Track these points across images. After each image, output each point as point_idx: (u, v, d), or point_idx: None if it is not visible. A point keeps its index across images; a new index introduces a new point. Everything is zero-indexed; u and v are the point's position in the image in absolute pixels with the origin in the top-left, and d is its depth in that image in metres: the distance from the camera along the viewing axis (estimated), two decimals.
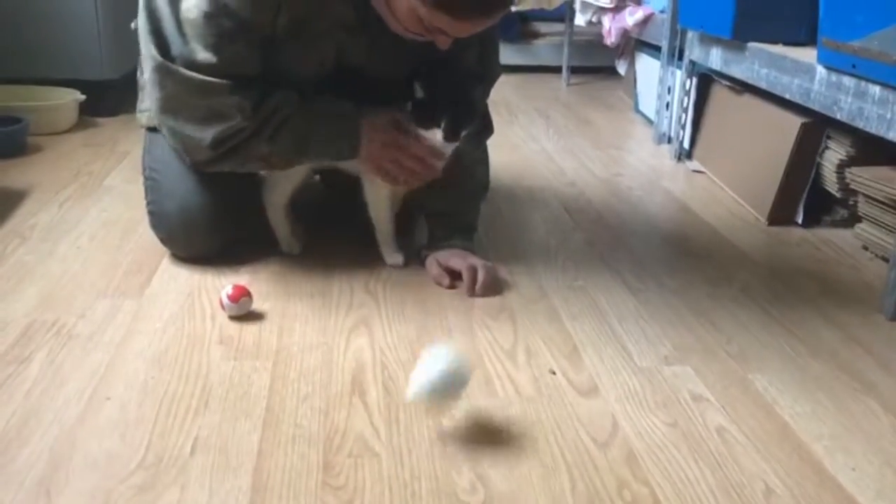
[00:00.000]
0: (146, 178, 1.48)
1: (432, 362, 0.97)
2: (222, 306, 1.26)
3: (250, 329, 1.24)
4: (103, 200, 1.79)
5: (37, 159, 2.08)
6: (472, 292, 1.38)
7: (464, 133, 1.35)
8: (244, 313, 1.27)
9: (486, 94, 1.54)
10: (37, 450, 0.94)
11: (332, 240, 1.56)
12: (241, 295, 1.26)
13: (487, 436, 1.00)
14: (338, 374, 1.13)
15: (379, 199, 1.45)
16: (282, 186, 1.46)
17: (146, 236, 1.51)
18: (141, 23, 1.29)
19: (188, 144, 1.31)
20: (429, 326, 1.27)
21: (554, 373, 1.15)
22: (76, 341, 1.18)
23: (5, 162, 1.99)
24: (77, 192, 1.83)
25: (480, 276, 1.38)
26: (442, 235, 1.47)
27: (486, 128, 1.55)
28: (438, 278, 1.42)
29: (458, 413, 1.04)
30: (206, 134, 1.27)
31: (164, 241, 1.47)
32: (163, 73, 1.26)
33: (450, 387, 0.98)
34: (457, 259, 1.42)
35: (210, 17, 1.21)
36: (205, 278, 1.40)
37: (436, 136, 1.33)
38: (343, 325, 1.27)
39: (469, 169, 1.49)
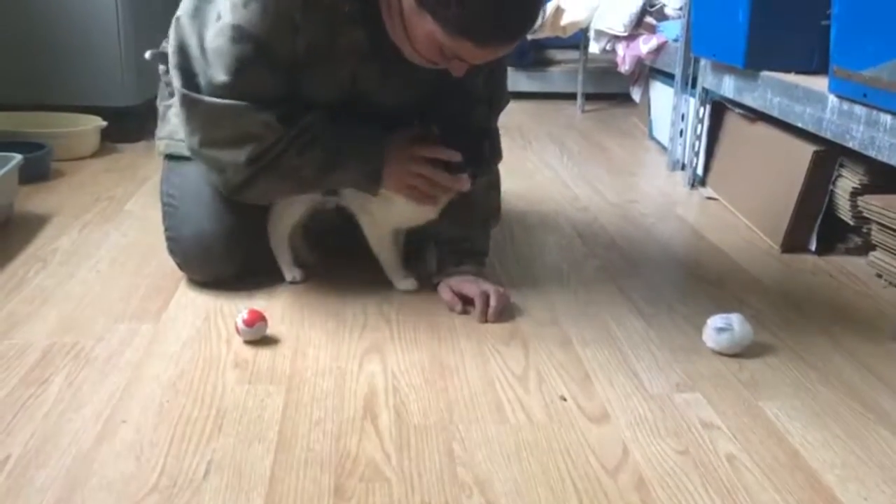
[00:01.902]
0: (164, 205, 1.51)
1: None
2: (238, 331, 1.28)
3: (265, 353, 1.26)
4: (123, 225, 1.82)
5: (59, 184, 2.12)
6: (484, 318, 1.39)
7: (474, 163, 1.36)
8: (259, 338, 1.28)
9: (495, 118, 1.56)
10: (54, 472, 0.95)
11: (346, 265, 1.58)
12: (257, 320, 1.28)
13: (498, 461, 1.01)
14: (350, 399, 1.14)
15: (379, 236, 1.47)
16: (286, 216, 1.49)
17: (164, 261, 1.53)
18: (171, 58, 1.32)
19: (226, 167, 1.32)
20: (441, 352, 1.28)
21: (565, 399, 1.16)
22: (94, 364, 1.20)
23: (29, 187, 2.03)
24: (97, 217, 1.87)
25: (493, 302, 1.39)
26: (453, 261, 1.49)
27: (495, 153, 1.57)
28: (451, 304, 1.43)
29: (468, 438, 1.05)
30: (241, 154, 1.29)
31: (180, 266, 1.49)
32: (188, 103, 1.29)
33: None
34: (469, 285, 1.43)
35: (232, 41, 1.24)
36: (220, 303, 1.42)
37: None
38: (356, 349, 1.28)
39: (479, 194, 1.50)
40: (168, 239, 1.50)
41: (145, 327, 1.33)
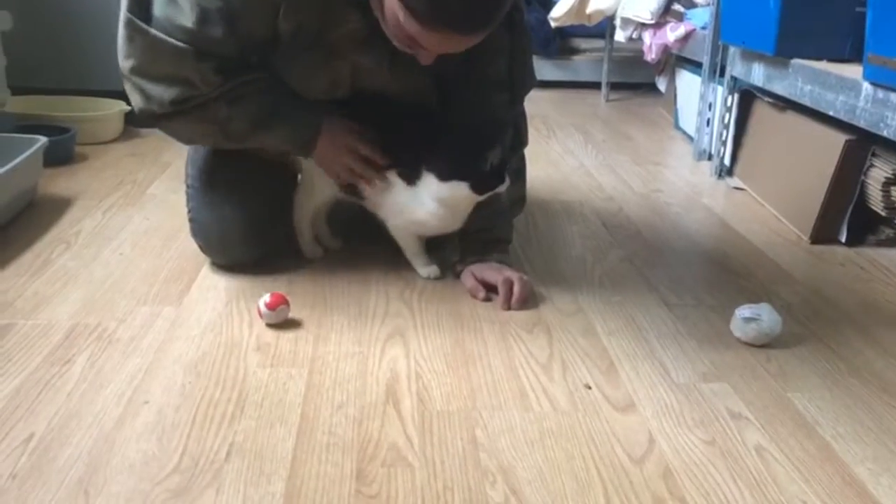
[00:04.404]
0: (187, 187, 1.50)
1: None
2: (260, 314, 1.27)
3: (287, 337, 1.25)
4: (146, 209, 1.82)
5: (83, 168, 2.13)
6: (507, 305, 1.37)
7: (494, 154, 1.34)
8: (281, 321, 1.28)
9: (517, 104, 1.53)
10: (77, 451, 0.95)
11: (369, 250, 1.57)
12: (279, 303, 1.27)
13: (521, 449, 0.99)
14: (372, 384, 1.13)
15: (405, 238, 1.47)
16: (311, 199, 1.48)
17: (187, 244, 1.53)
18: None
19: (150, 98, 1.27)
20: (464, 338, 1.27)
21: (590, 387, 1.14)
22: (116, 345, 1.20)
23: (53, 170, 2.03)
24: (121, 201, 1.87)
25: (516, 289, 1.38)
26: (477, 249, 1.47)
27: (520, 140, 1.55)
28: (474, 291, 1.41)
29: (491, 425, 1.04)
30: (168, 93, 1.25)
31: (202, 249, 1.49)
32: (133, 29, 1.24)
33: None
34: (492, 272, 1.42)
35: (205, 13, 1.21)
36: (243, 286, 1.41)
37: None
38: (378, 334, 1.27)
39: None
40: (190, 221, 1.49)
41: (167, 310, 1.33)
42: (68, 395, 1.07)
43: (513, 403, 1.09)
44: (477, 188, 1.34)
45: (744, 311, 1.29)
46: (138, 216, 1.77)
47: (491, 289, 1.41)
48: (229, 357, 1.18)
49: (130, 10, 1.24)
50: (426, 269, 1.48)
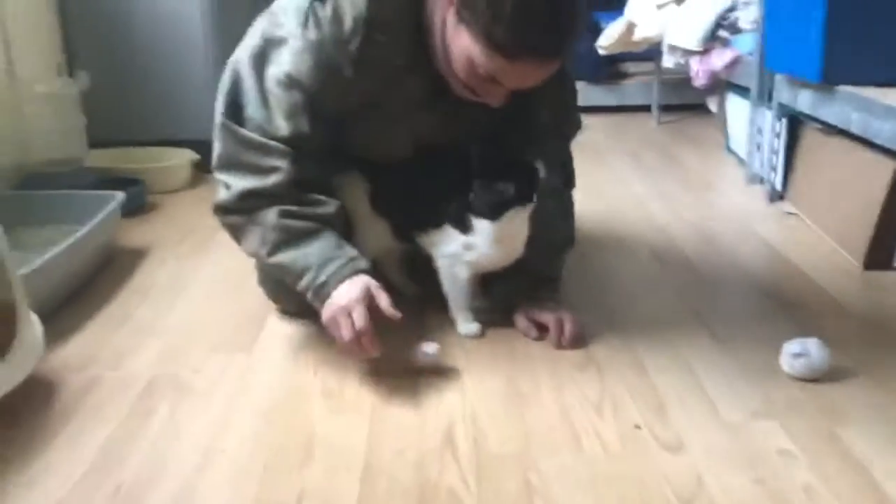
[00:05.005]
0: None
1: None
2: (421, 356, 1.34)
3: (350, 383, 1.32)
4: (216, 256, 1.92)
5: (155, 217, 2.25)
6: (559, 345, 1.42)
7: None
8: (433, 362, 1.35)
9: (566, 148, 1.58)
10: (160, 500, 1.04)
11: (427, 293, 1.61)
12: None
13: (574, 493, 1.04)
14: (430, 429, 1.19)
15: (454, 280, 1.47)
16: (369, 244, 1.51)
17: (256, 290, 1.61)
18: (222, 84, 1.36)
19: (228, 188, 1.33)
20: (517, 379, 1.32)
21: (639, 427, 1.18)
22: (193, 395, 1.29)
23: (128, 221, 2.16)
24: (192, 249, 1.98)
25: (567, 328, 1.42)
26: (528, 289, 1.52)
27: (569, 182, 1.60)
28: (526, 331, 1.47)
29: (544, 468, 1.09)
30: (243, 183, 1.31)
31: (270, 296, 1.57)
32: (224, 131, 1.33)
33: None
34: (544, 312, 1.47)
35: (286, 88, 1.29)
36: (309, 332, 1.49)
37: None
38: (435, 378, 1.33)
39: (552, 223, 1.53)
40: (258, 269, 1.58)
41: (239, 357, 1.41)
42: (152, 445, 1.16)
43: (565, 445, 1.14)
44: (521, 201, 1.37)
45: (792, 345, 1.32)
46: (209, 263, 1.88)
47: (543, 328, 1.46)
48: (298, 404, 1.26)
49: (225, 114, 1.33)
50: (467, 327, 1.48)
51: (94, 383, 1.33)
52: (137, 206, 2.27)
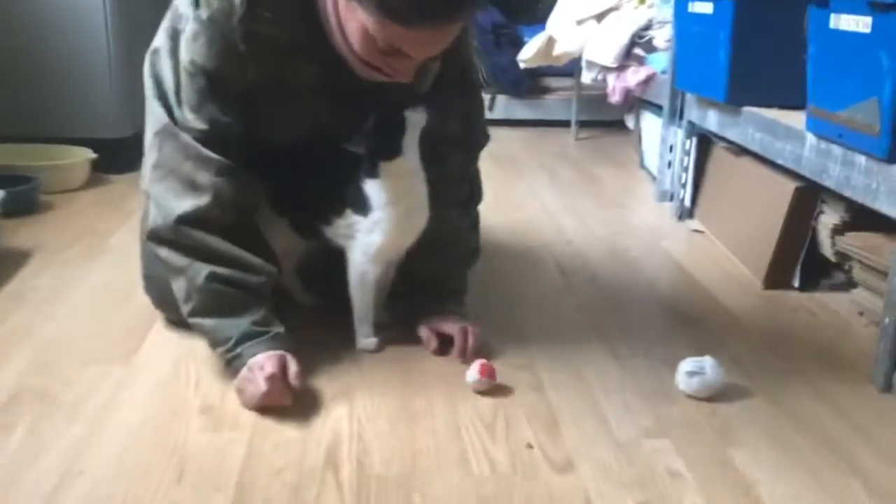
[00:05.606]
0: (143, 241, 1.51)
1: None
2: (478, 382, 1.28)
3: (233, 398, 1.24)
4: (105, 262, 1.82)
5: (46, 218, 2.13)
6: (463, 355, 1.38)
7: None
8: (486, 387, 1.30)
9: (473, 160, 1.55)
10: None
11: (317, 312, 1.55)
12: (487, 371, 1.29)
13: None
14: (312, 447, 1.13)
15: (363, 282, 1.40)
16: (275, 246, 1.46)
17: (143, 300, 1.53)
18: (149, 90, 1.32)
19: (162, 213, 1.28)
20: (410, 397, 1.27)
21: (531, 447, 1.15)
22: (59, 410, 1.20)
23: (16, 221, 2.04)
24: (80, 253, 1.87)
25: (471, 340, 1.38)
26: (433, 300, 1.47)
27: (475, 196, 1.56)
28: (427, 341, 1.42)
29: (430, 491, 1.04)
30: (178, 207, 1.27)
31: (155, 304, 1.49)
32: (164, 136, 1.28)
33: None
34: (447, 324, 1.42)
35: (190, 76, 1.26)
36: (194, 345, 1.41)
37: None
38: (324, 393, 1.27)
39: (458, 236, 1.50)
40: (145, 277, 1.50)
41: (115, 370, 1.32)
42: (4, 467, 1.06)
43: (453, 466, 1.10)
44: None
45: (688, 364, 1.30)
46: (97, 270, 1.78)
47: (445, 340, 1.42)
48: (172, 421, 1.18)
49: (170, 116, 1.28)
50: (366, 341, 1.42)
51: None
52: (27, 206, 2.14)
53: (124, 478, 1.04)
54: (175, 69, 1.28)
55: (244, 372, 1.22)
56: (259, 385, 1.19)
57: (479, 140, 1.54)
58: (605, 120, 3.57)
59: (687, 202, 2.26)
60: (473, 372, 1.29)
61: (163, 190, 1.30)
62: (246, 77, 1.27)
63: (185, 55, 1.26)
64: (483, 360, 1.31)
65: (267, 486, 1.04)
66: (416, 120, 1.32)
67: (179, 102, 1.28)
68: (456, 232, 1.49)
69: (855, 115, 1.37)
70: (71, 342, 1.43)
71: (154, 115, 1.31)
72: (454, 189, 1.49)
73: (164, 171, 1.30)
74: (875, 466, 1.13)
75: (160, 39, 1.31)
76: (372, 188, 1.35)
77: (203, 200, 1.26)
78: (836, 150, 1.48)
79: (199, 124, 1.27)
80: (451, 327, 1.41)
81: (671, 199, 2.37)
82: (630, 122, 3.22)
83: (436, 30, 1.17)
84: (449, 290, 1.50)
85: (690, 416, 1.25)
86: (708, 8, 1.92)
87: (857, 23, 1.34)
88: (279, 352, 1.24)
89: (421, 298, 1.48)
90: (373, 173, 1.34)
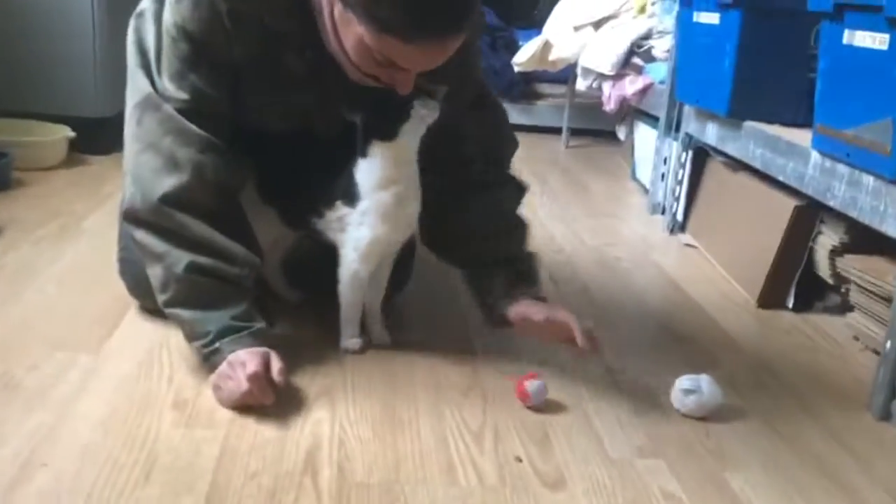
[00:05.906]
0: (121, 222, 1.44)
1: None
2: (525, 395, 1.22)
3: (208, 394, 1.18)
4: (79, 243, 1.75)
5: (19, 195, 2.05)
6: (596, 347, 1.27)
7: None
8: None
9: (506, 166, 1.51)
10: None
11: (300, 309, 1.50)
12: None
13: None
14: (291, 450, 1.07)
15: (353, 281, 1.33)
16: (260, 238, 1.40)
17: (116, 285, 1.46)
18: (132, 57, 1.26)
19: (141, 191, 1.22)
20: (395, 403, 1.22)
21: (521, 460, 1.10)
22: (22, 398, 1.13)
23: None
24: (52, 233, 1.79)
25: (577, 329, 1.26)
26: (522, 282, 1.37)
27: (520, 189, 1.52)
28: (539, 333, 1.32)
29: (413, 500, 0.98)
30: (159, 186, 1.20)
31: (130, 290, 1.42)
32: (145, 107, 1.22)
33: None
34: (553, 310, 1.30)
35: (174, 41, 1.20)
36: (168, 333, 1.34)
37: None
38: (305, 394, 1.21)
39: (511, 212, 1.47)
40: (120, 260, 1.43)
41: (84, 358, 1.25)
42: None
43: (438, 476, 1.04)
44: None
45: (683, 381, 1.26)
46: (70, 251, 1.70)
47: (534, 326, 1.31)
48: (142, 414, 1.12)
49: (152, 87, 1.23)
50: (350, 341, 1.36)
51: None
52: (1, 182, 2.06)
53: (89, 472, 0.98)
54: (158, 34, 1.23)
55: (223, 368, 1.16)
56: (240, 382, 1.13)
57: (504, 147, 1.51)
58: (596, 129, 3.54)
59: (679, 216, 2.22)
60: (538, 388, 1.22)
61: (141, 165, 1.23)
62: (232, 53, 1.21)
63: (168, 17, 1.20)
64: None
65: (241, 488, 0.98)
66: (423, 113, 1.25)
67: (160, 70, 1.22)
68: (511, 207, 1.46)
69: (865, 134, 1.33)
70: (37, 325, 1.35)
71: (136, 85, 1.24)
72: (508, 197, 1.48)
73: (142, 144, 1.23)
74: (871, 494, 1.10)
75: (146, 1, 1.26)
76: (362, 171, 1.28)
77: (183, 178, 1.20)
78: (842, 169, 1.44)
79: (180, 94, 1.21)
80: (566, 315, 1.28)
81: (663, 211, 2.34)
82: (621, 133, 3.19)
83: (434, 44, 1.13)
84: (526, 273, 1.40)
85: (684, 435, 1.20)
86: (714, 18, 1.88)
87: (873, 39, 1.31)
88: (261, 348, 1.17)
89: (505, 280, 1.37)
90: (365, 151, 1.27)
